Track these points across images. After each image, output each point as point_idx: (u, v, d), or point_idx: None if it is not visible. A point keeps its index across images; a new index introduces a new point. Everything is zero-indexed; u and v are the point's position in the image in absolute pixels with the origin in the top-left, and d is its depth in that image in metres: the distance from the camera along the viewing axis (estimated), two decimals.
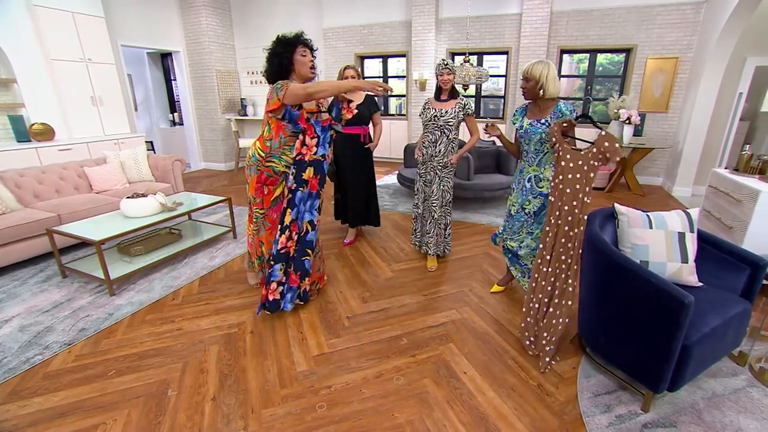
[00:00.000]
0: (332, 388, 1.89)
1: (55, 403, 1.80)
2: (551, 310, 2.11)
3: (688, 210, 2.02)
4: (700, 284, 1.91)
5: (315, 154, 2.34)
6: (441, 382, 1.94)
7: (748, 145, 3.25)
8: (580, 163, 2.01)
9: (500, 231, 2.66)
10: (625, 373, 1.83)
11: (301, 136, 2.31)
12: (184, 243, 3.44)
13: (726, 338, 1.76)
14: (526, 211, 2.42)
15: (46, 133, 4.46)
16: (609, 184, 5.70)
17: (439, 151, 2.90)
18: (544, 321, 2.12)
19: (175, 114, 7.82)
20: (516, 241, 2.53)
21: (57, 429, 1.67)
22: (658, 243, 1.92)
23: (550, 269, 2.11)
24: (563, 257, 2.07)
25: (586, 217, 2.01)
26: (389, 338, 2.28)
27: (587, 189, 2.01)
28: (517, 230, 2.51)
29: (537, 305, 2.16)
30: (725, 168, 3.30)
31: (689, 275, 1.90)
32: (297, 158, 2.32)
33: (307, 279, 2.48)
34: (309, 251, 2.42)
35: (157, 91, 7.68)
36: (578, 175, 2.01)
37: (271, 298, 2.39)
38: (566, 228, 2.05)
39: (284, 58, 2.20)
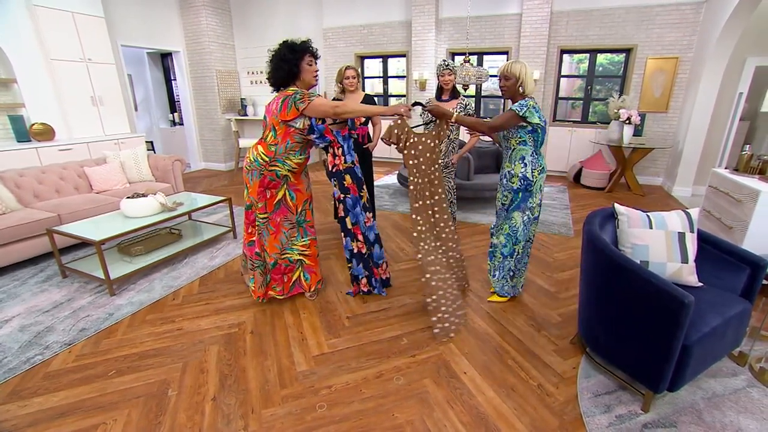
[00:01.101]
0: (332, 388, 1.89)
1: (55, 403, 1.80)
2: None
3: (688, 210, 2.02)
4: (700, 284, 1.91)
5: (345, 162, 2.47)
6: (441, 382, 1.94)
7: (748, 146, 3.25)
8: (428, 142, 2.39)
9: (493, 225, 2.68)
10: (625, 373, 1.83)
11: (331, 149, 2.44)
12: (184, 243, 3.44)
13: (726, 338, 1.76)
14: (504, 205, 2.47)
15: (46, 133, 4.45)
16: (609, 184, 5.70)
17: (440, 150, 2.90)
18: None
19: (175, 114, 7.82)
20: (497, 237, 2.56)
21: (57, 429, 1.67)
22: (658, 243, 1.92)
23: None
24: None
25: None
26: (389, 338, 2.28)
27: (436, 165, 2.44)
28: (499, 226, 2.55)
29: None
30: (725, 168, 3.31)
31: (689, 275, 1.90)
32: (333, 170, 2.48)
33: (384, 264, 2.75)
34: (373, 245, 2.66)
35: (157, 91, 7.68)
36: (428, 154, 2.37)
37: (364, 290, 2.72)
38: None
39: (293, 64, 2.22)
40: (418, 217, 2.35)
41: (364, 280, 2.69)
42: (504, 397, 1.84)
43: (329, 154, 2.47)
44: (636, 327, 1.69)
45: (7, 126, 4.33)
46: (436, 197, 2.48)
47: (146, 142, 5.98)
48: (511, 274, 2.59)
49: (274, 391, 1.88)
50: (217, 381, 1.94)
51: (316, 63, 2.33)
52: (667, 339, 1.54)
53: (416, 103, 2.52)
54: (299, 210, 2.53)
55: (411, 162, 2.34)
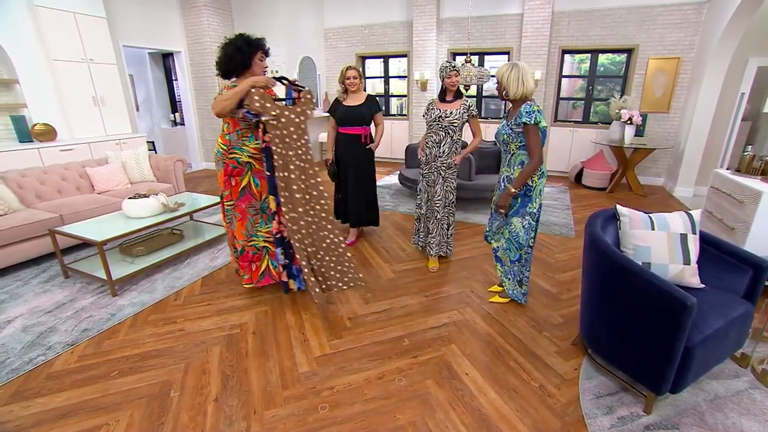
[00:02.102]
0: (334, 389, 1.90)
1: (58, 404, 1.81)
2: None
3: (690, 211, 2.01)
4: (702, 286, 1.91)
5: None
6: (443, 383, 1.94)
7: (750, 146, 3.24)
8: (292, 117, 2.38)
9: (487, 229, 2.70)
10: (627, 375, 1.83)
11: (261, 126, 2.40)
12: (186, 243, 3.44)
13: (728, 340, 1.76)
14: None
15: (48, 134, 4.46)
16: (610, 184, 5.69)
17: (443, 151, 2.90)
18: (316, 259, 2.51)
19: (176, 114, 7.82)
20: (496, 241, 2.57)
21: (60, 430, 1.67)
22: (660, 244, 1.92)
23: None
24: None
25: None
26: (391, 339, 2.28)
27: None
28: (496, 229, 2.56)
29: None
30: (727, 169, 3.30)
31: (691, 277, 1.90)
32: (263, 147, 2.42)
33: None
34: None
35: (159, 91, 7.68)
36: (291, 129, 2.38)
37: (283, 280, 2.62)
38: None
39: (247, 56, 2.35)
40: (283, 183, 2.39)
41: (280, 268, 2.57)
42: (506, 399, 1.84)
43: (259, 129, 2.39)
44: (638, 328, 1.69)
45: (9, 126, 4.34)
46: (313, 191, 2.45)
47: (147, 142, 5.98)
48: (519, 279, 2.57)
49: (276, 392, 1.88)
50: (219, 382, 1.94)
51: (266, 61, 2.49)
52: (670, 341, 1.54)
53: (281, 78, 2.47)
54: (263, 197, 2.58)
55: (275, 132, 2.34)
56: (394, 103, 8.22)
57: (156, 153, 7.31)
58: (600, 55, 6.26)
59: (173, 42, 6.53)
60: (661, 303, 1.55)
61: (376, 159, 3.53)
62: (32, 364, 2.06)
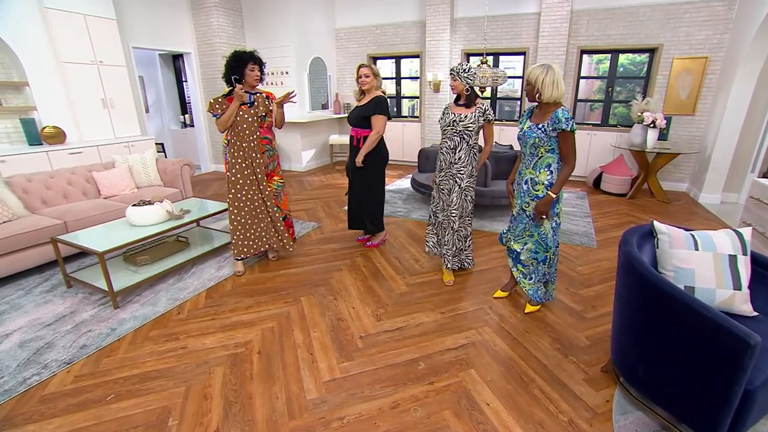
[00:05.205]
0: (345, 420, 1.75)
1: None
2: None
3: (739, 230, 1.82)
4: (756, 314, 1.71)
5: None
6: (462, 414, 1.78)
7: None
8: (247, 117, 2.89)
9: (505, 231, 2.64)
10: (668, 413, 1.64)
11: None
12: (192, 252, 3.33)
13: None
14: (527, 213, 2.39)
15: (58, 137, 4.41)
16: (631, 190, 5.44)
17: (459, 158, 2.73)
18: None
19: (186, 116, 7.78)
20: (519, 243, 2.50)
21: None
22: (705, 267, 1.72)
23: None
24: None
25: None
26: (405, 362, 2.13)
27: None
28: (520, 233, 2.48)
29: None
30: (759, 175, 3.07)
31: (742, 304, 1.70)
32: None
33: None
34: None
35: (169, 92, 7.64)
36: (244, 125, 2.89)
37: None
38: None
39: (237, 70, 2.83)
40: (237, 172, 2.92)
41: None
42: None
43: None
44: (683, 364, 1.50)
45: (19, 129, 4.30)
46: (260, 179, 2.99)
47: (157, 144, 5.93)
48: (545, 280, 2.55)
49: (282, 422, 1.74)
50: (221, 409, 1.81)
51: (259, 69, 2.93)
52: (726, 383, 1.35)
53: (236, 79, 2.87)
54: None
55: (236, 128, 2.87)
56: (405, 105, 8.06)
57: (165, 155, 7.28)
58: (620, 55, 6.00)
59: (183, 43, 6.47)
60: (713, 337, 1.37)
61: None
62: (26, 385, 1.95)
